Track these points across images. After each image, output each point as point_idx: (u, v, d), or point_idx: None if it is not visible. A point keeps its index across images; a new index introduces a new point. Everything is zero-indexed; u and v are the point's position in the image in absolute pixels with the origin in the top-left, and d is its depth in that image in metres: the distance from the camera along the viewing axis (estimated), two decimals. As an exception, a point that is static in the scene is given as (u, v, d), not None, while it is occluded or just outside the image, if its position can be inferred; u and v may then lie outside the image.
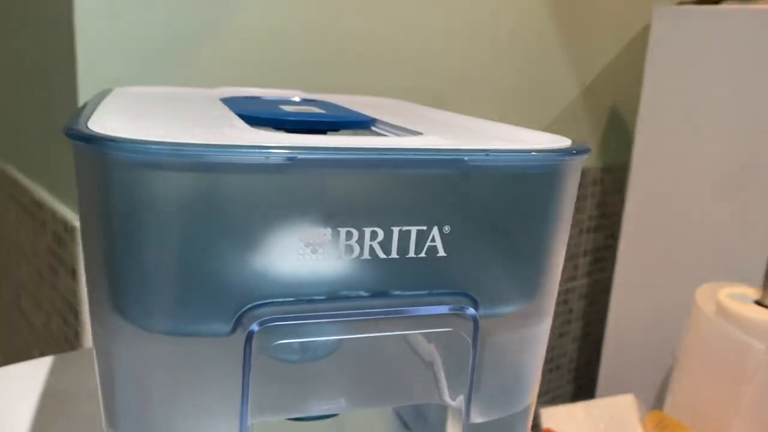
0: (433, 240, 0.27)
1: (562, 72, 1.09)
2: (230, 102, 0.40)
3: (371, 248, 0.26)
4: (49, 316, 0.75)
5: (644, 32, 1.14)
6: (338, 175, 0.25)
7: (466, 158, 0.26)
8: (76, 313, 0.67)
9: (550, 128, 1.09)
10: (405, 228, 0.26)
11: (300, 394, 0.29)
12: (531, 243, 0.29)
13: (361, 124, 0.37)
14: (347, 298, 0.26)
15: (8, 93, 0.88)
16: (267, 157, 0.23)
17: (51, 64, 0.67)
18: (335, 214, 0.25)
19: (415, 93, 0.89)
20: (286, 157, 0.23)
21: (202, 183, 0.24)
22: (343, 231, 0.25)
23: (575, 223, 1.19)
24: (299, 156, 0.24)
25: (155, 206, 0.24)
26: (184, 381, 0.27)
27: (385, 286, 0.27)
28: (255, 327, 0.25)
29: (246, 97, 0.43)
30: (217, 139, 0.24)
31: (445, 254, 0.27)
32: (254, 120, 0.34)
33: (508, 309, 0.30)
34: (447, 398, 0.31)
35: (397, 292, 0.27)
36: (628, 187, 1.02)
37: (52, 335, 0.75)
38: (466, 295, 0.28)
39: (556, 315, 1.21)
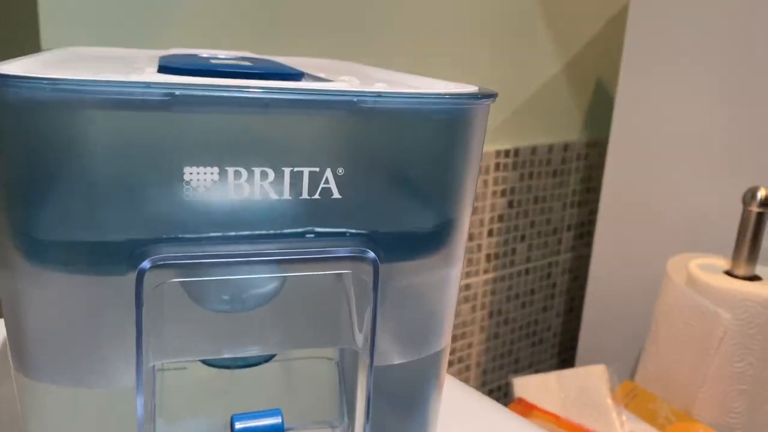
0: (326, 182, 0.27)
1: (544, 46, 1.09)
2: (164, 58, 0.40)
3: (262, 188, 0.26)
4: None
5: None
6: (223, 114, 0.25)
7: (355, 99, 0.26)
8: None
9: (532, 101, 1.09)
10: (297, 169, 0.26)
11: (207, 338, 0.29)
12: (433, 187, 0.29)
13: (289, 76, 0.37)
14: (240, 238, 0.27)
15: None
16: (145, 91, 0.24)
17: (16, 26, 0.67)
18: (222, 153, 0.25)
19: (392, 60, 0.89)
20: (165, 93, 0.24)
21: (87, 120, 0.24)
22: (231, 170, 0.26)
23: (558, 197, 1.19)
24: (178, 92, 0.24)
25: (40, 143, 0.24)
26: (88, 320, 0.27)
27: (279, 227, 0.27)
28: (146, 265, 0.26)
29: (184, 54, 0.44)
30: (103, 77, 0.24)
31: (340, 196, 0.27)
32: (174, 70, 0.34)
33: (412, 253, 0.30)
34: (357, 342, 0.31)
35: (292, 233, 0.27)
36: (606, 161, 1.01)
37: None
38: (366, 237, 0.29)
39: (539, 289, 1.22)
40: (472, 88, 0.31)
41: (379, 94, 0.27)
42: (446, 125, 0.29)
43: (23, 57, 0.33)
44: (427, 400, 0.34)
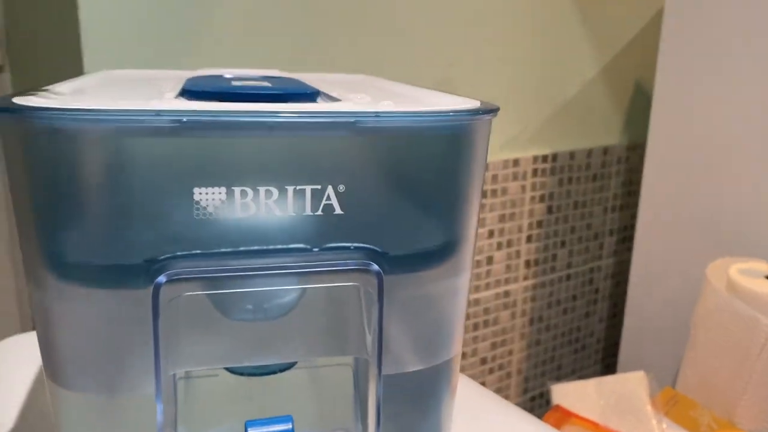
0: (328, 198, 0.28)
1: (582, 50, 1.08)
2: (189, 80, 0.42)
3: (267, 206, 0.28)
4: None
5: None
6: (229, 137, 0.27)
7: (353, 120, 0.27)
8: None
9: (570, 105, 1.08)
10: (299, 187, 0.28)
11: (222, 347, 0.31)
12: (436, 201, 0.30)
13: (304, 96, 0.39)
14: (249, 253, 0.28)
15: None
16: (155, 119, 0.25)
17: (59, 50, 0.71)
18: (229, 174, 0.27)
19: (429, 65, 0.90)
20: (173, 120, 0.25)
21: (104, 146, 0.26)
22: (237, 190, 0.27)
23: (598, 201, 1.18)
24: (186, 119, 0.26)
25: (62, 170, 0.26)
26: (111, 332, 0.29)
27: (285, 242, 0.29)
28: (162, 279, 0.28)
29: (209, 76, 0.46)
30: (117, 106, 0.26)
31: (343, 212, 0.29)
32: (195, 94, 0.36)
33: (417, 265, 0.31)
34: (367, 351, 0.32)
35: (298, 248, 0.29)
36: (645, 165, 1.00)
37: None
38: (371, 251, 0.30)
39: (582, 295, 1.20)
40: (473, 104, 0.32)
41: (376, 114, 0.28)
42: (447, 141, 0.30)
43: (57, 84, 0.35)
44: (440, 406, 0.35)
